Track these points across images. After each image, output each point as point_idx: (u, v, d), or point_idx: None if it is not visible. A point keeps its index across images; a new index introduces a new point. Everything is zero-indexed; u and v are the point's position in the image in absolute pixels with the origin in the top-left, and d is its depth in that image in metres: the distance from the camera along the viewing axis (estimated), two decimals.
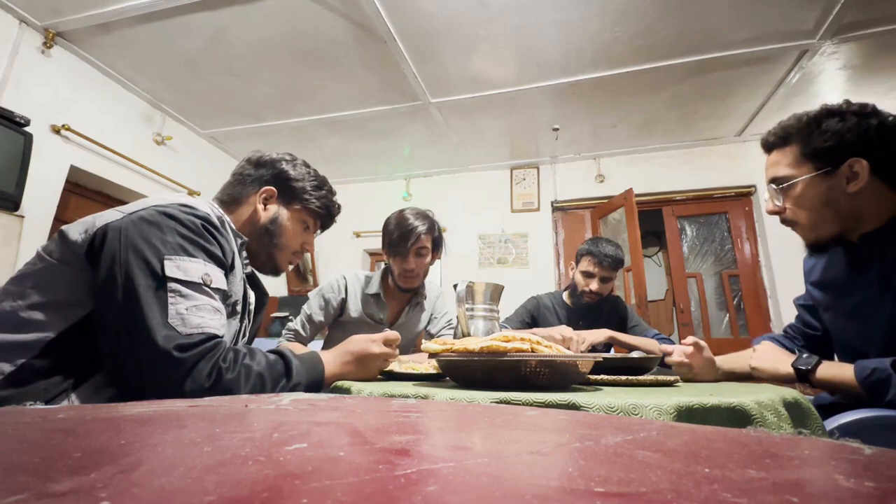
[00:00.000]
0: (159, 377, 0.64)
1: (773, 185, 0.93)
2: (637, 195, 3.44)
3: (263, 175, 0.97)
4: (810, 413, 0.69)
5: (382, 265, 1.62)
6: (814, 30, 2.37)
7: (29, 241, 2.31)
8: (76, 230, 0.71)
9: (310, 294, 1.56)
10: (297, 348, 1.33)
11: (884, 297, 0.85)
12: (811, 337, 1.10)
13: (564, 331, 1.42)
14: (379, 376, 0.96)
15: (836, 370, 0.85)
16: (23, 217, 2.31)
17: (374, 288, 1.53)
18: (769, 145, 0.96)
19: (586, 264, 1.80)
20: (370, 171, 4.27)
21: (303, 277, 4.30)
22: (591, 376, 0.87)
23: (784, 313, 3.20)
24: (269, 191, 0.96)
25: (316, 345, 1.42)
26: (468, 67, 2.73)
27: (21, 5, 2.31)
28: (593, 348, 1.55)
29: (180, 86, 2.99)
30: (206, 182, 3.46)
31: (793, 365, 0.90)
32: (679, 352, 1.05)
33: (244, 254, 0.93)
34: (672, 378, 0.91)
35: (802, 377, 0.89)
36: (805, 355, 0.91)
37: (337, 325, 1.58)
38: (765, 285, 3.43)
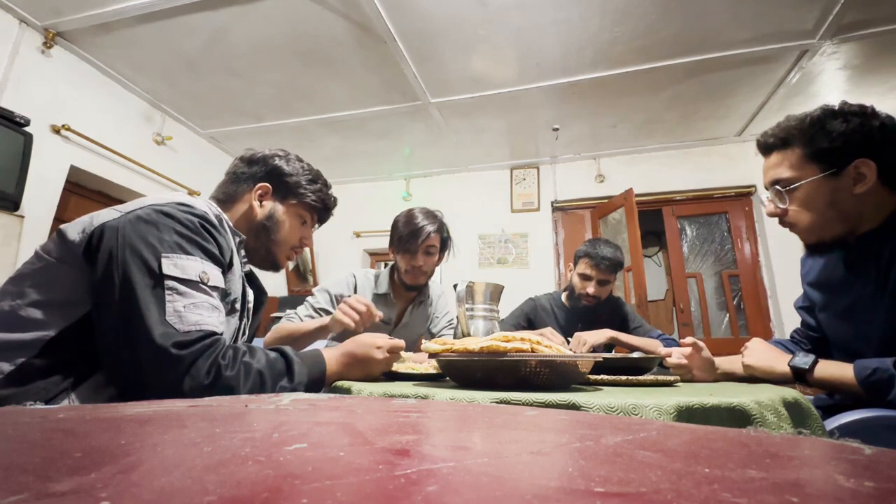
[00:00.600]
0: (157, 375, 0.63)
1: (777, 187, 0.92)
2: (637, 195, 3.44)
3: (257, 172, 0.97)
4: (810, 413, 0.69)
5: (386, 264, 1.62)
6: (814, 30, 2.37)
7: (29, 241, 2.31)
8: (74, 229, 0.71)
9: (314, 290, 1.54)
10: (301, 327, 1.31)
11: (880, 296, 0.86)
12: (815, 339, 1.10)
13: (546, 333, 1.41)
14: (379, 376, 0.96)
15: (835, 369, 0.85)
16: (23, 217, 2.31)
17: (383, 287, 1.53)
18: (768, 147, 0.95)
19: (583, 267, 1.75)
20: (370, 171, 4.27)
21: (303, 277, 4.30)
22: (591, 376, 0.87)
23: (784, 313, 3.20)
24: (264, 187, 0.96)
25: (320, 345, 1.41)
26: (468, 67, 2.73)
27: (21, 5, 2.31)
28: (594, 349, 1.55)
29: (180, 86, 2.98)
30: (206, 182, 3.46)
31: (790, 364, 0.90)
32: (678, 353, 1.04)
33: (242, 252, 0.93)
34: (672, 378, 0.91)
35: (799, 376, 0.89)
36: (802, 354, 0.91)
37: None
38: (765, 285, 3.44)
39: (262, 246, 0.97)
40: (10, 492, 0.15)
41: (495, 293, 1.19)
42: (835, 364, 0.86)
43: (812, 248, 0.95)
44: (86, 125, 2.68)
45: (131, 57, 2.70)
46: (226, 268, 0.80)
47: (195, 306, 0.68)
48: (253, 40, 2.52)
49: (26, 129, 2.27)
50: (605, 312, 1.81)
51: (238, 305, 0.87)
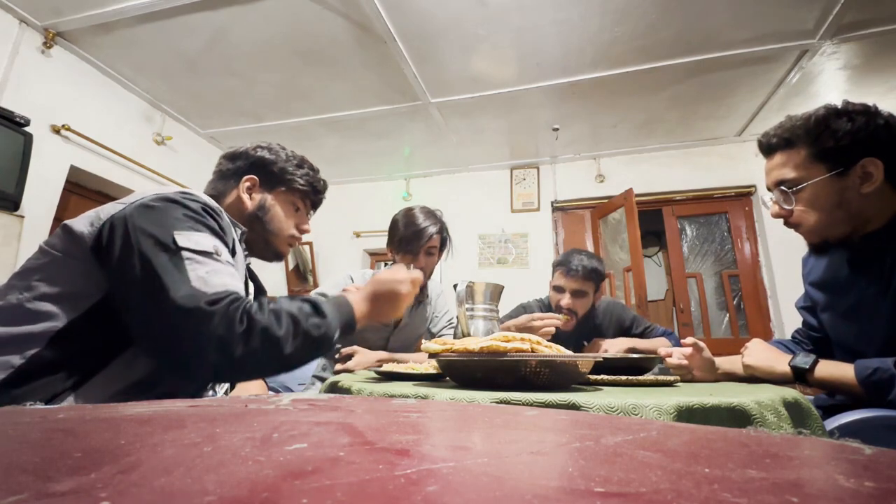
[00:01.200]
0: (195, 333, 0.64)
1: (783, 188, 0.91)
2: (637, 195, 3.44)
3: (241, 166, 0.97)
4: (810, 413, 0.69)
5: (386, 264, 1.61)
6: (814, 30, 2.37)
7: (29, 240, 2.31)
8: (80, 224, 0.72)
9: (312, 294, 1.52)
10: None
11: (883, 296, 0.85)
12: (817, 339, 1.09)
13: (534, 317, 1.33)
14: (379, 376, 0.96)
15: (835, 369, 0.85)
16: (23, 217, 2.31)
17: None
18: (771, 147, 0.93)
19: (556, 277, 1.61)
20: (370, 171, 4.27)
21: (303, 277, 4.30)
22: (591, 376, 0.87)
23: (784, 313, 3.20)
24: (251, 179, 0.96)
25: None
26: (468, 67, 2.73)
27: (21, 5, 2.31)
28: None
29: (180, 86, 2.98)
30: (205, 182, 3.44)
31: (790, 364, 0.90)
32: (678, 353, 1.04)
33: (244, 245, 0.94)
34: (672, 378, 0.91)
35: (800, 376, 0.89)
36: (803, 354, 0.90)
37: None
38: (765, 285, 3.43)
39: (260, 237, 0.97)
40: (10, 492, 0.15)
41: (495, 293, 1.19)
42: (835, 364, 0.86)
43: (816, 248, 0.95)
44: (86, 125, 2.67)
45: (131, 57, 2.70)
46: (232, 253, 0.81)
47: (217, 272, 0.70)
48: (253, 40, 2.52)
49: (26, 129, 2.27)
50: (600, 316, 1.74)
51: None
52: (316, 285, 4.11)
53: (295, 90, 3.01)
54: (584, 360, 0.73)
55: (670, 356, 1.05)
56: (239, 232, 0.91)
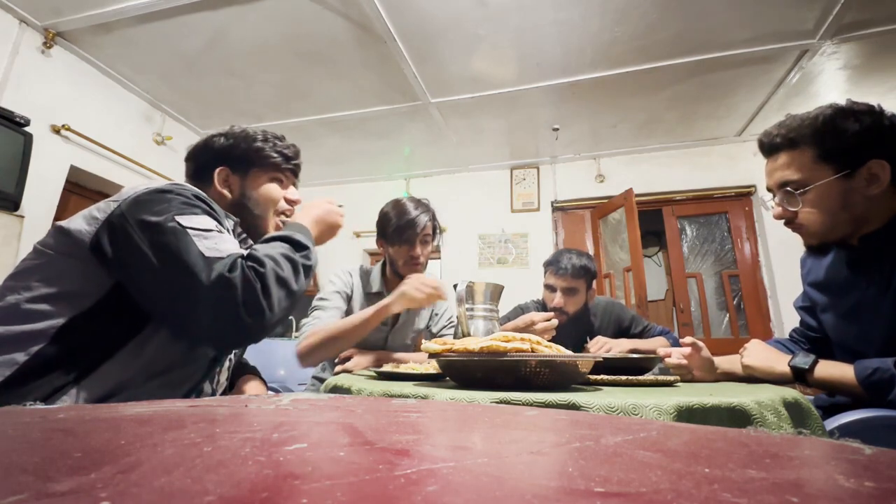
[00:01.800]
0: (224, 300, 0.67)
1: (788, 189, 0.89)
2: (637, 195, 3.44)
3: (207, 161, 0.95)
4: (810, 413, 0.69)
5: (379, 262, 1.60)
6: (814, 30, 2.37)
7: (29, 240, 2.31)
8: (76, 224, 0.72)
9: (322, 296, 1.47)
10: (351, 320, 1.27)
11: (883, 296, 0.85)
12: (815, 339, 1.09)
13: (535, 317, 1.33)
14: (379, 376, 0.96)
15: (835, 369, 0.85)
16: (23, 217, 2.31)
17: (375, 286, 1.51)
18: (773, 147, 0.92)
19: (547, 277, 1.63)
20: (370, 171, 4.27)
21: None
22: (591, 376, 0.87)
23: (784, 313, 3.20)
24: (222, 171, 0.95)
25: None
26: (468, 67, 2.73)
27: (21, 5, 2.31)
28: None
29: (180, 86, 2.99)
30: None
31: (790, 364, 0.90)
32: (677, 353, 1.04)
33: (239, 230, 0.94)
34: (672, 378, 0.91)
35: (799, 376, 0.88)
36: (802, 354, 0.90)
37: None
38: (765, 285, 3.44)
39: (251, 223, 0.97)
40: (10, 492, 0.15)
41: (495, 293, 1.19)
42: (835, 364, 0.86)
43: (814, 250, 0.94)
44: (86, 125, 2.68)
45: (131, 57, 2.70)
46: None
47: (223, 241, 0.73)
48: (252, 40, 2.52)
49: (26, 129, 2.27)
50: (597, 316, 1.76)
51: None
52: (315, 284, 4.11)
53: (295, 90, 3.01)
54: (584, 360, 0.73)
55: (669, 356, 1.05)
56: (232, 223, 0.90)
